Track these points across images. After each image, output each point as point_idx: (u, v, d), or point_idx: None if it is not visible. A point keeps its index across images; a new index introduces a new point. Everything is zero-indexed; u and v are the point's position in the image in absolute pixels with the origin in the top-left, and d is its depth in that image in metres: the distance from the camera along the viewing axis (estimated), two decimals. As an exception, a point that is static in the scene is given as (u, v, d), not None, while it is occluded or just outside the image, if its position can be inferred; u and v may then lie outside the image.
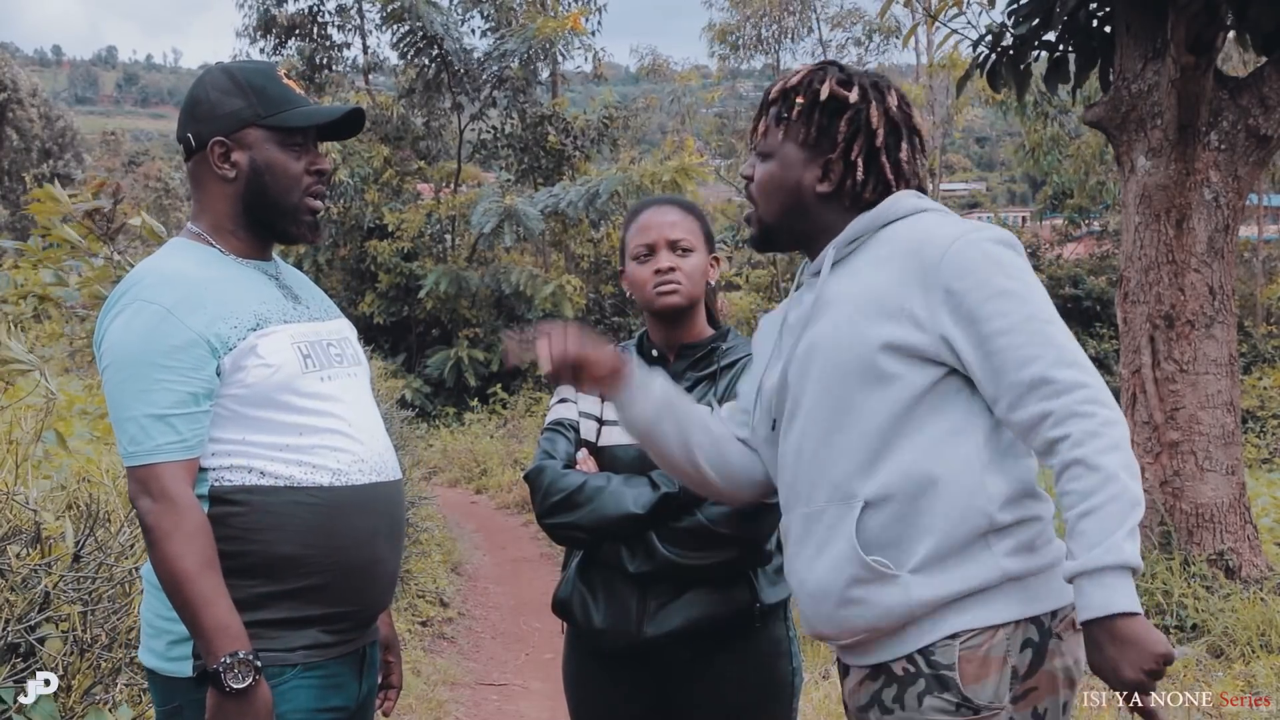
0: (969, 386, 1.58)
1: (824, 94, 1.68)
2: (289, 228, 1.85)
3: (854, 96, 1.68)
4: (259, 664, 1.63)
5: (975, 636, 1.53)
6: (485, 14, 17.90)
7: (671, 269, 2.08)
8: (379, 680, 1.98)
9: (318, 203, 1.86)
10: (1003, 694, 1.53)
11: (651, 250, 2.10)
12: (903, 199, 1.68)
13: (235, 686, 1.60)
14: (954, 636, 1.54)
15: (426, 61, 17.51)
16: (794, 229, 1.74)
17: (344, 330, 1.95)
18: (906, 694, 1.56)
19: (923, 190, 1.73)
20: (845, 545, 1.58)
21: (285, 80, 1.85)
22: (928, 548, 1.54)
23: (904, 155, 1.70)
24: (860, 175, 1.68)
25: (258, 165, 1.80)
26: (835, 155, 1.68)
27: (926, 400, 1.58)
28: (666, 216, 2.11)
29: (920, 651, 1.56)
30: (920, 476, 1.56)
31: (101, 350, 1.75)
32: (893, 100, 1.70)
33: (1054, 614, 1.56)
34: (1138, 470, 1.49)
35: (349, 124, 1.91)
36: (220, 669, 1.61)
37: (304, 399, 1.76)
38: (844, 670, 1.72)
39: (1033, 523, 1.57)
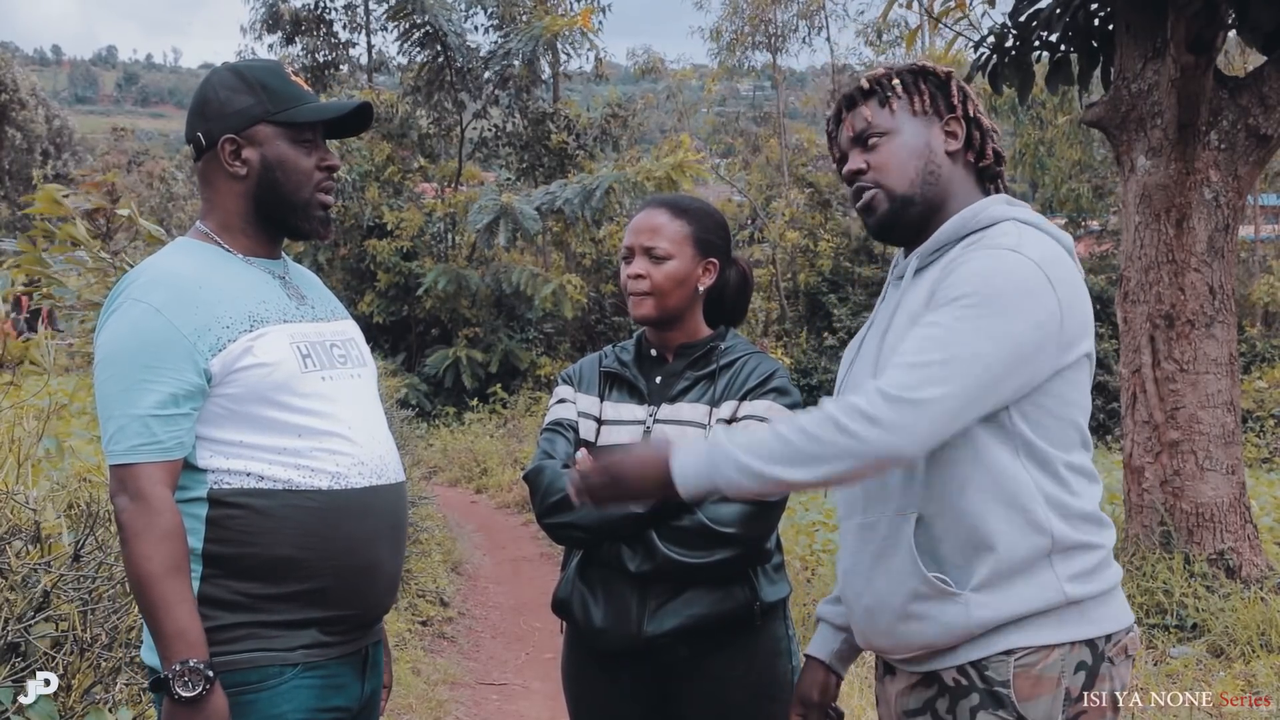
0: (1018, 410, 1.55)
1: (926, 65, 1.73)
2: (300, 223, 1.85)
3: (943, 72, 1.74)
4: (211, 674, 1.62)
5: (1030, 654, 1.52)
6: (489, 11, 17.90)
7: (640, 277, 2.08)
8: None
9: (329, 198, 1.87)
10: (1055, 715, 1.52)
11: (631, 254, 2.11)
12: (989, 205, 1.66)
13: (183, 694, 1.60)
14: (1009, 653, 1.53)
15: (429, 57, 17.51)
16: (928, 197, 1.69)
17: (349, 331, 1.95)
18: (959, 707, 1.55)
19: (1000, 155, 1.74)
20: (905, 560, 1.58)
21: (293, 77, 1.85)
22: (989, 567, 1.53)
23: (988, 124, 1.74)
24: (983, 128, 1.71)
25: (269, 161, 1.81)
26: (957, 114, 1.70)
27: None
28: (651, 220, 2.11)
29: (973, 664, 1.55)
30: (972, 493, 1.55)
31: (95, 347, 1.76)
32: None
33: (1108, 638, 1.56)
34: (797, 456, 1.49)
35: (357, 121, 1.92)
36: (170, 675, 1.61)
37: (303, 399, 1.76)
38: (888, 669, 1.71)
39: (1096, 549, 1.57)
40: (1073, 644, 1.53)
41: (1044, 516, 1.53)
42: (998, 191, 1.75)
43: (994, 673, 1.53)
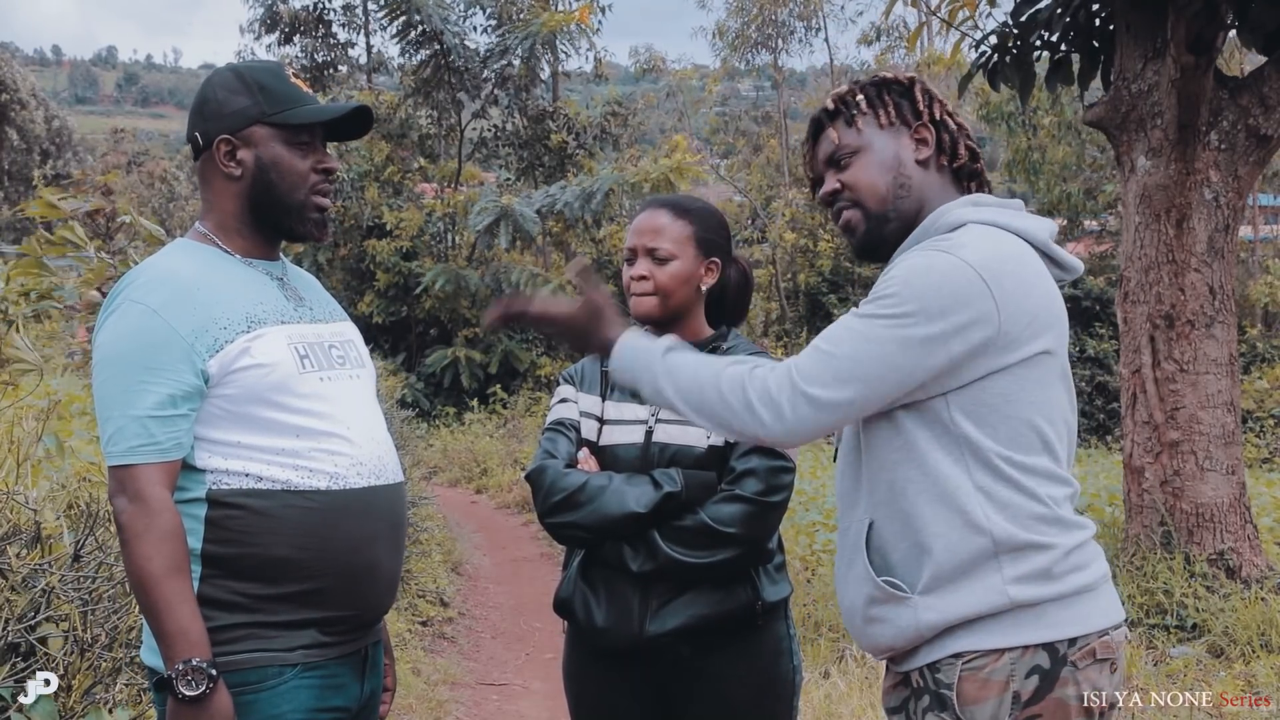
0: (960, 410, 1.56)
1: (888, 76, 1.73)
2: (295, 225, 1.85)
3: (905, 79, 1.74)
4: (214, 673, 1.63)
5: (978, 658, 1.53)
6: (487, 10, 17.90)
7: (644, 278, 2.08)
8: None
9: (325, 200, 1.87)
10: (1001, 718, 1.52)
11: (634, 255, 2.12)
12: (952, 209, 1.65)
13: (186, 693, 1.61)
14: (957, 656, 1.54)
15: (426, 56, 17.51)
16: (903, 211, 1.70)
17: (348, 333, 1.96)
18: (917, 707, 1.59)
19: (976, 154, 1.73)
20: (861, 564, 1.62)
21: (293, 79, 1.85)
22: (930, 569, 1.55)
23: (956, 125, 1.73)
24: (954, 128, 1.71)
25: (263, 163, 1.81)
26: (924, 120, 1.70)
27: (912, 423, 1.58)
28: (654, 221, 2.11)
29: (928, 666, 1.57)
30: (913, 495, 1.56)
31: (94, 347, 1.77)
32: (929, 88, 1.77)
33: (1072, 641, 1.54)
34: (704, 408, 1.60)
35: (357, 125, 1.91)
36: (174, 675, 1.61)
37: (301, 399, 1.76)
38: (886, 667, 1.74)
39: (1048, 549, 1.55)
40: (1025, 648, 1.52)
41: (982, 517, 1.53)
42: (980, 189, 1.74)
43: (943, 675, 1.55)
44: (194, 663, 1.61)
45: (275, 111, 1.80)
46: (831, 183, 1.74)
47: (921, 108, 1.71)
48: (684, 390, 1.61)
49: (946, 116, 1.72)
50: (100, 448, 1.76)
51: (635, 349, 1.68)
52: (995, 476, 1.55)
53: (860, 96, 1.72)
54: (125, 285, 1.76)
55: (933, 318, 1.51)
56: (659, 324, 2.12)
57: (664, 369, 1.64)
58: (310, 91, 1.87)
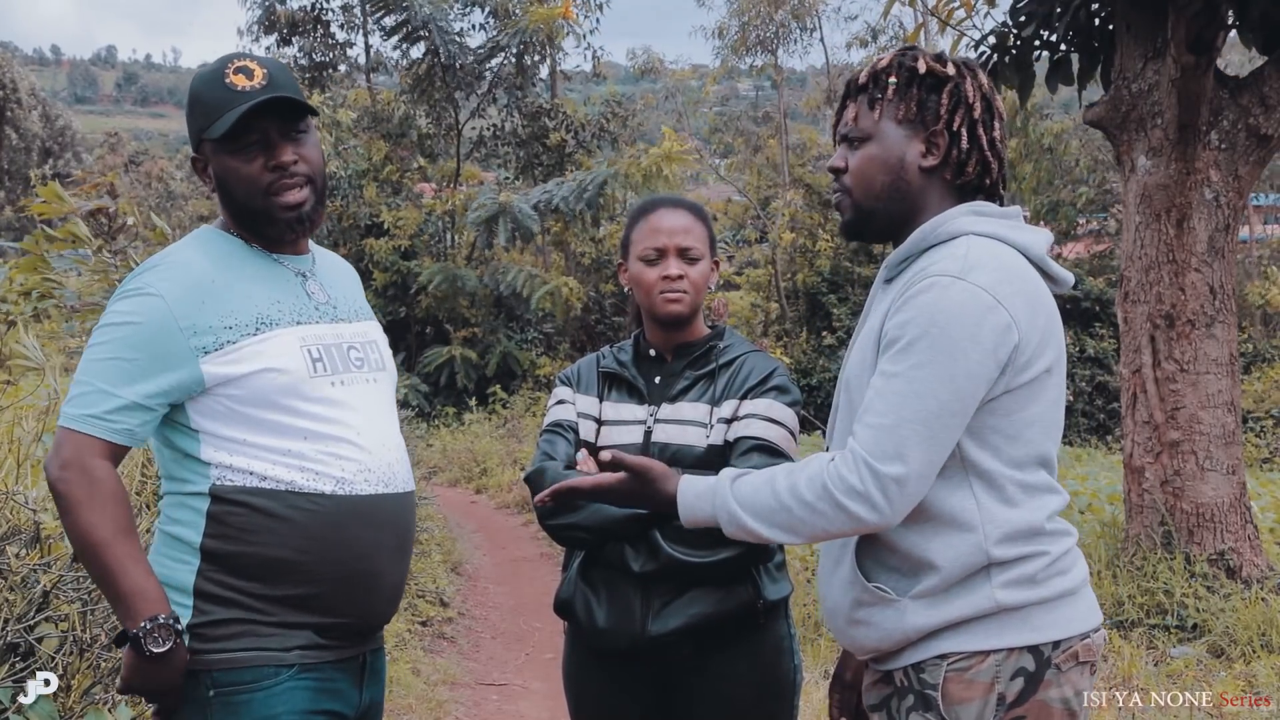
0: (966, 432, 1.55)
1: (922, 68, 1.65)
2: (268, 230, 1.82)
3: (950, 70, 1.66)
4: (179, 627, 1.64)
5: (963, 660, 1.54)
6: (485, 8, 17.90)
7: (680, 277, 2.09)
8: None
9: (291, 196, 1.80)
10: (986, 719, 1.53)
11: (661, 254, 2.10)
12: (953, 218, 1.63)
13: (155, 650, 1.61)
14: (943, 657, 1.56)
15: (421, 54, 17.50)
16: (891, 212, 1.68)
17: (371, 333, 1.93)
18: (901, 706, 1.60)
19: (1003, 172, 1.70)
20: (849, 568, 1.63)
21: (230, 78, 1.77)
22: (931, 582, 1.56)
23: (997, 134, 1.67)
24: (965, 145, 1.64)
25: (218, 175, 1.81)
26: (939, 127, 1.64)
27: None
28: (679, 221, 2.11)
29: (913, 666, 1.58)
30: (916, 510, 1.55)
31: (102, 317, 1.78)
32: (983, 78, 1.68)
33: (1056, 644, 1.55)
34: (799, 525, 1.55)
35: (298, 104, 1.81)
36: (140, 633, 1.61)
37: (311, 404, 1.75)
38: (865, 664, 1.75)
39: (1036, 558, 1.56)
40: (1010, 650, 1.54)
41: (983, 536, 1.54)
42: (989, 202, 1.70)
43: (928, 675, 1.56)
44: (161, 619, 1.62)
45: (207, 125, 1.77)
46: (839, 158, 1.72)
47: (943, 113, 1.64)
48: (767, 515, 1.57)
49: (966, 129, 1.65)
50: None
51: (699, 492, 1.64)
52: (998, 497, 1.56)
53: (892, 80, 1.66)
54: (145, 269, 1.77)
55: (967, 351, 1.50)
56: (685, 322, 2.13)
57: (737, 501, 1.60)
58: (250, 84, 1.76)
